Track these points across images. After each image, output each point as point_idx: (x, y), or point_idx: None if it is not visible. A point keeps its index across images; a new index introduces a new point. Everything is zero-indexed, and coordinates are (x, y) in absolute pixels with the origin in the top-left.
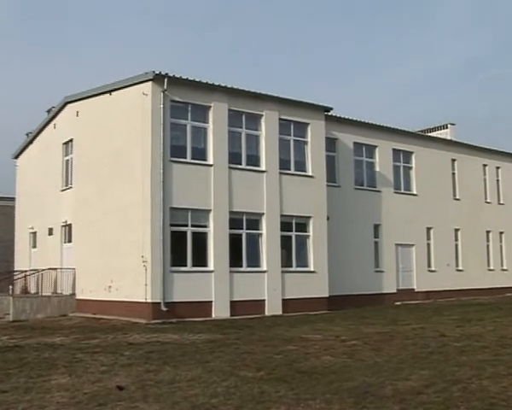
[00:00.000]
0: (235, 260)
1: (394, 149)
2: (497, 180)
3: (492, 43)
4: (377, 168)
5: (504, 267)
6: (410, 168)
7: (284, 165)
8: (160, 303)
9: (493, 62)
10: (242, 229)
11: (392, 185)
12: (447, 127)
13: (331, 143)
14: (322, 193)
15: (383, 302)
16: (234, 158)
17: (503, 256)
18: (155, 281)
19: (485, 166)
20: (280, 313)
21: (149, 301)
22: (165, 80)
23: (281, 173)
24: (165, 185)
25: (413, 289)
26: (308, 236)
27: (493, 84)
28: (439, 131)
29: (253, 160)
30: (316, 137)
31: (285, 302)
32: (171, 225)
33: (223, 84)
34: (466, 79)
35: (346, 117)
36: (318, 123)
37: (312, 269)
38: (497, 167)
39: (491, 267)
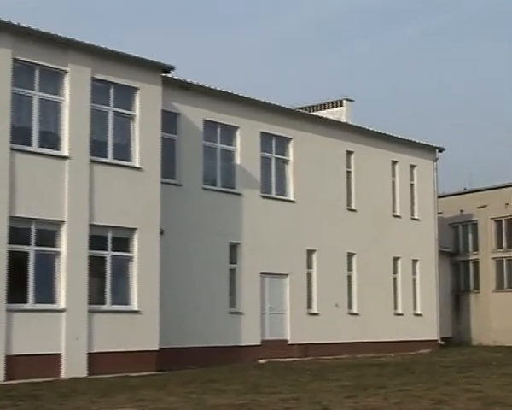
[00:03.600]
0: (15, 293)
1: (263, 134)
2: (412, 184)
3: None
4: (237, 160)
5: (418, 311)
6: (286, 162)
7: (99, 149)
8: None
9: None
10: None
11: (259, 186)
12: (342, 105)
13: (170, 121)
14: (153, 194)
15: (241, 359)
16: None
17: (417, 295)
18: None
19: (394, 163)
20: (85, 374)
21: None
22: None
23: (92, 162)
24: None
25: (285, 341)
26: (131, 257)
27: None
28: (330, 110)
29: (51, 139)
30: (147, 110)
31: (93, 358)
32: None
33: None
34: (370, 36)
35: (195, 82)
36: (152, 88)
37: (136, 308)
38: (412, 166)
39: (400, 311)
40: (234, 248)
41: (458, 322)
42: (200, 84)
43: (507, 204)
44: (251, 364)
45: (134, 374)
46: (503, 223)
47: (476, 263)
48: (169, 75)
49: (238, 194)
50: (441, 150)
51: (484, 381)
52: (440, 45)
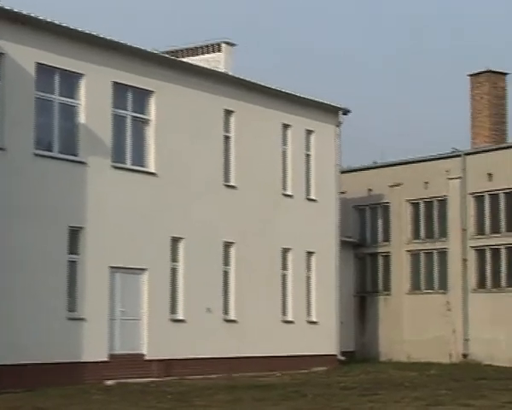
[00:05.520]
0: None
1: (116, 84)
2: (308, 155)
3: None
4: (82, 118)
5: (313, 318)
6: (146, 122)
7: None
8: None
9: None
10: None
11: (110, 154)
12: (220, 50)
13: None
14: None
15: (83, 380)
16: None
17: (312, 298)
18: None
19: (286, 127)
20: None
21: None
22: None
23: None
24: None
25: (141, 356)
26: None
27: None
28: (205, 56)
29: None
30: None
31: None
32: None
33: None
34: None
35: (29, 13)
36: None
37: None
38: (309, 131)
39: (290, 318)
40: (75, 234)
41: (363, 332)
42: (34, 16)
43: (426, 183)
44: (95, 386)
45: None
46: (421, 206)
47: (387, 257)
48: None
49: (82, 163)
50: (346, 112)
51: (392, 406)
52: None
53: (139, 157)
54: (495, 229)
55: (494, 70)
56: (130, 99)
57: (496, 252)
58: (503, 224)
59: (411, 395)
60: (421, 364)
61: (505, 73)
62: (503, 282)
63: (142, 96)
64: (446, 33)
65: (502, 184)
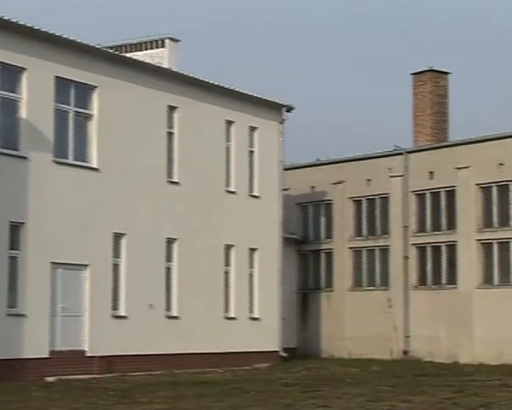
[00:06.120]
0: None
1: (59, 79)
2: (251, 152)
3: None
4: (23, 113)
5: (255, 315)
6: (89, 117)
7: None
8: None
9: None
10: None
11: (52, 149)
12: (164, 45)
13: None
14: None
15: (23, 377)
16: None
17: (255, 294)
18: None
19: (230, 123)
20: None
21: None
22: None
23: None
24: None
25: (83, 353)
26: None
27: None
28: (149, 52)
29: None
30: None
31: None
32: None
33: None
34: None
35: None
36: None
37: None
38: (253, 128)
39: (232, 314)
40: (16, 229)
41: (305, 329)
42: None
43: (369, 180)
44: (35, 383)
45: None
46: (364, 204)
47: (329, 254)
48: None
49: (23, 158)
50: (289, 110)
51: (334, 402)
52: None
53: (81, 152)
54: (436, 227)
55: (436, 69)
56: (72, 94)
57: (436, 249)
58: (443, 221)
59: (353, 392)
60: (362, 360)
61: (447, 73)
62: (444, 279)
63: (84, 91)
64: (391, 33)
65: (443, 183)
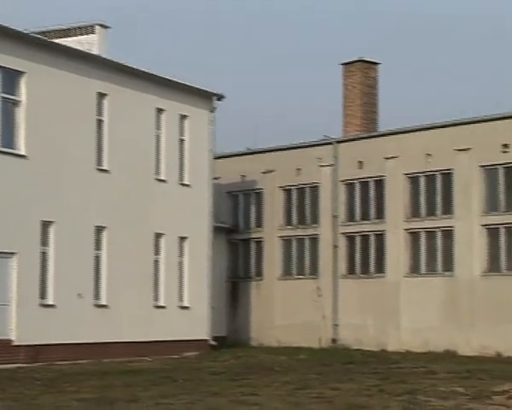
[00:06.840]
0: None
1: None
2: (182, 140)
3: None
4: None
5: (185, 304)
6: (17, 104)
7: None
8: None
9: None
10: None
11: None
12: (94, 32)
13: None
14: None
15: None
16: None
17: (185, 283)
18: None
19: (160, 111)
20: None
21: None
22: None
23: None
24: None
25: (9, 342)
26: None
27: None
28: (79, 38)
29: None
30: None
31: None
32: None
33: None
34: None
35: None
36: None
37: None
38: (183, 116)
39: (162, 303)
40: None
41: (235, 317)
42: None
43: (299, 170)
44: None
45: None
46: (294, 193)
47: (259, 243)
48: None
49: None
50: (220, 98)
51: (262, 390)
52: None
53: (9, 139)
54: (365, 216)
55: (366, 59)
56: (0, 80)
57: (365, 238)
58: (372, 211)
59: (281, 380)
60: (291, 348)
61: (377, 63)
62: (372, 268)
63: (12, 76)
64: (323, 22)
65: (372, 172)
